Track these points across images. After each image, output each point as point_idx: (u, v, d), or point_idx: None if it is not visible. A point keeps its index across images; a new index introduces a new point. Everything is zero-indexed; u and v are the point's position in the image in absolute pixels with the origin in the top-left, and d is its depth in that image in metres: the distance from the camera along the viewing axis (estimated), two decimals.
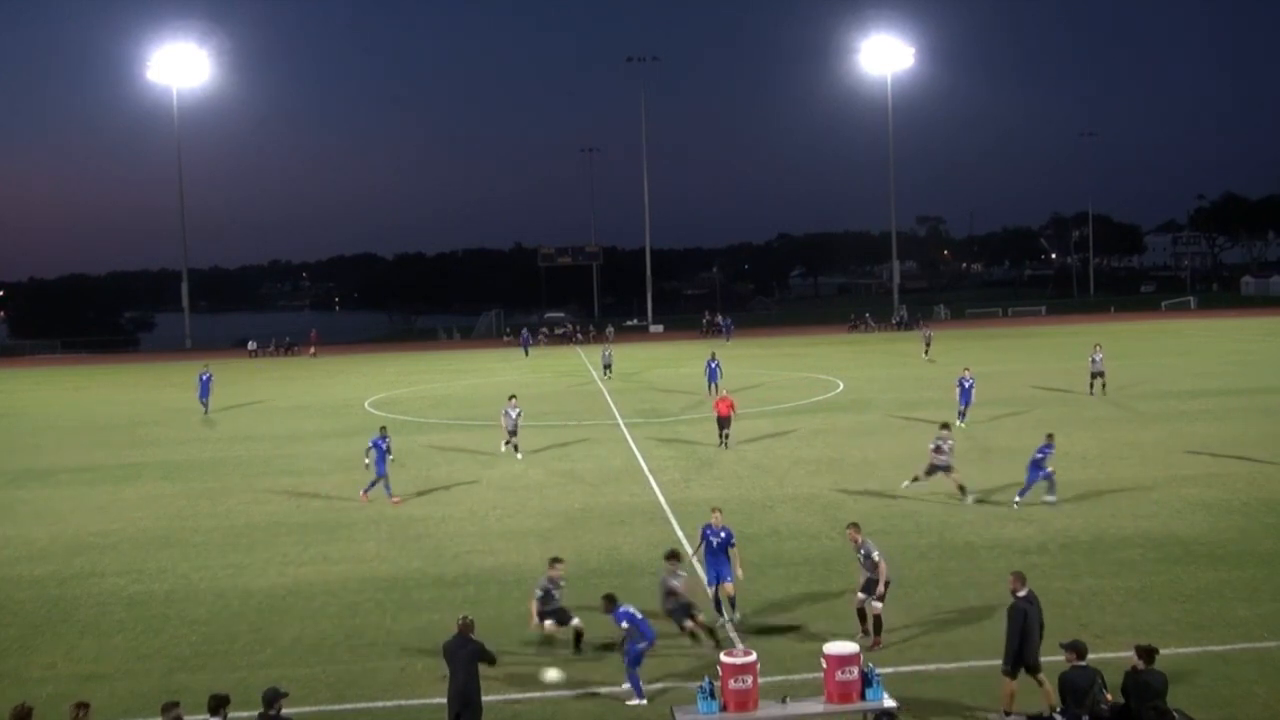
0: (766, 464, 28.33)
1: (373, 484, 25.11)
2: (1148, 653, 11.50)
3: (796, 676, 13.60)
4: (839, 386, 44.59)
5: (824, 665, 12.14)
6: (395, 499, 24.97)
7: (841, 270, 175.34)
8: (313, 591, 18.58)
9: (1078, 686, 11.32)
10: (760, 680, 12.20)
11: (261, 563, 20.54)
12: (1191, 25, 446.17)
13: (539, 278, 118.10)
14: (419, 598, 18.09)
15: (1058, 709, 11.92)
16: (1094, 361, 39.76)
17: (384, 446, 25.29)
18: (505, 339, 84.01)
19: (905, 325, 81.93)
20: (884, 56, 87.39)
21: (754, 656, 12.20)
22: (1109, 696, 11.43)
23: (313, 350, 79.05)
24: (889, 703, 12.01)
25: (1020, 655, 12.54)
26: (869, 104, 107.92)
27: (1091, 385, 39.41)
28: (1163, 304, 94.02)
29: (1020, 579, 13.02)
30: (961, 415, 33.26)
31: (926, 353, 56.07)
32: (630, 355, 64.80)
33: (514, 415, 30.62)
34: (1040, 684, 12.55)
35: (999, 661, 14.16)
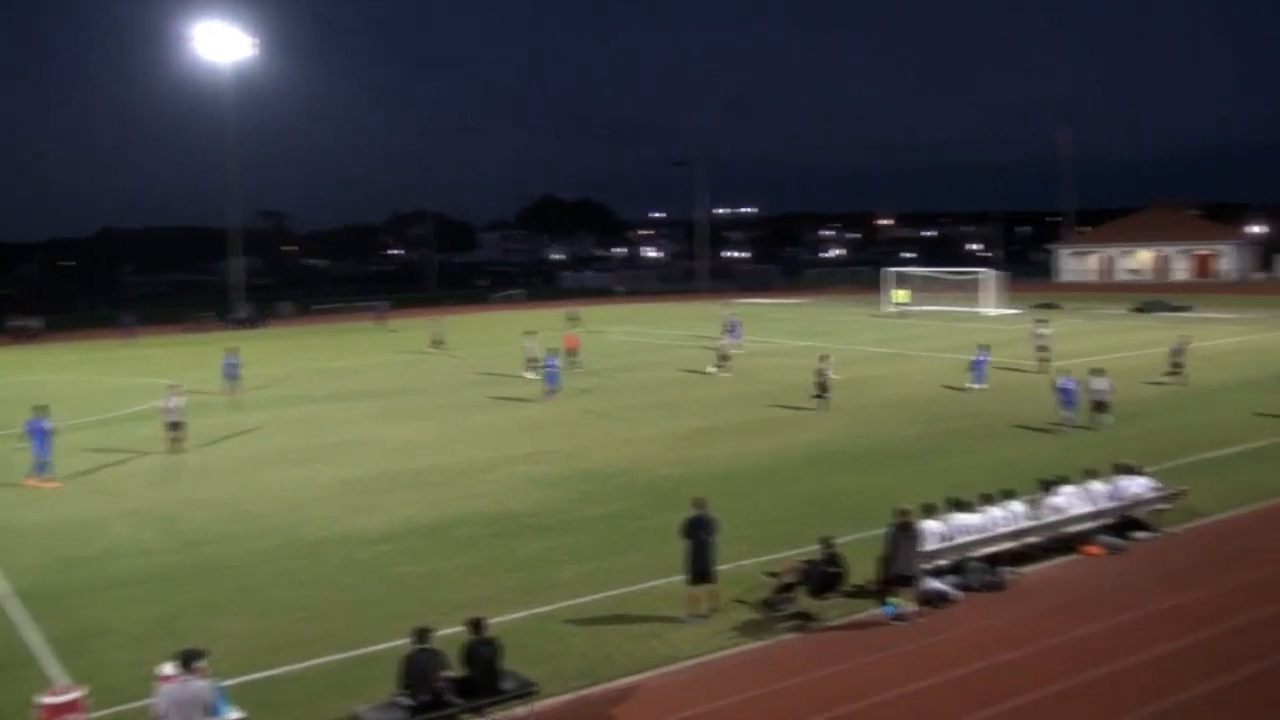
0: (96, 480, 25.87)
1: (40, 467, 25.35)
2: (475, 624, 12.41)
3: (134, 705, 12.61)
4: (181, 389, 42.06)
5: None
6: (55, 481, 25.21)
7: (180, 266, 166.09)
8: None
9: (419, 666, 11.80)
10: (91, 716, 11.16)
11: None
12: (501, 31, 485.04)
13: None
14: None
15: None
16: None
17: (46, 428, 25.42)
18: None
19: (251, 323, 79.59)
20: (222, 45, 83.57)
21: (80, 692, 11.11)
22: (449, 672, 12.04)
23: None
24: (234, 715, 11.59)
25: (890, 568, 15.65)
26: (207, 94, 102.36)
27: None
28: (491, 297, 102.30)
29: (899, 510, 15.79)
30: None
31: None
32: None
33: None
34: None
35: (351, 654, 14.44)
